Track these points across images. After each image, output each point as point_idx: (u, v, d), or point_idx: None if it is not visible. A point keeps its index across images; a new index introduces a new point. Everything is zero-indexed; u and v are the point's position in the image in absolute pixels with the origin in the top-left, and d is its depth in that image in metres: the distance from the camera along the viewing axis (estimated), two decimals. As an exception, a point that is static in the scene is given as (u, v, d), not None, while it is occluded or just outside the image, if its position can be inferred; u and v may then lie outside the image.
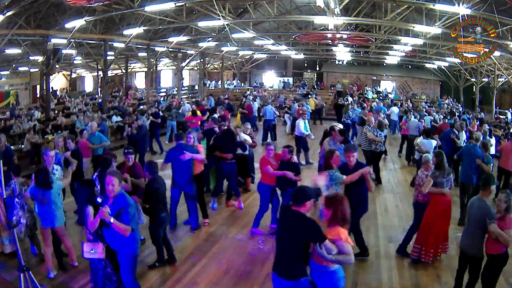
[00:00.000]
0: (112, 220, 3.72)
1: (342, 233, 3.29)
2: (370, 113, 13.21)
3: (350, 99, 19.84)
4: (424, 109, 15.75)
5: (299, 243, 3.27)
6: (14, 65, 22.52)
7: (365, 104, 15.72)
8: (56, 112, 16.13)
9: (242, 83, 31.80)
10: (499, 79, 19.50)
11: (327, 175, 4.91)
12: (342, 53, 24.06)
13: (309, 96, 20.59)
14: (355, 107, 14.87)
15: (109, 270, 4.05)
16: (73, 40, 15.04)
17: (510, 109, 19.95)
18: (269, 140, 12.84)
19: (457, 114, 15.20)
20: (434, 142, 8.71)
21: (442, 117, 13.87)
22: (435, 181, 5.29)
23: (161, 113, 14.15)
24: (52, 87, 21.49)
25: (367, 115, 12.15)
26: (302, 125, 10.60)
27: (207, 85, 28.08)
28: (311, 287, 3.36)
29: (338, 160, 5.18)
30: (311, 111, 16.18)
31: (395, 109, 16.21)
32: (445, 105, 20.49)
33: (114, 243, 3.98)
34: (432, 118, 13.57)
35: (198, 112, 12.59)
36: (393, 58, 23.31)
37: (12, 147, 10.06)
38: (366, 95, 25.06)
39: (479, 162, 7.04)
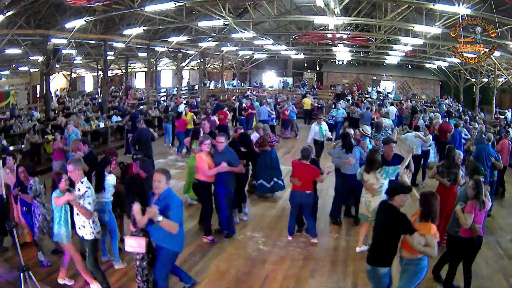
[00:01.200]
0: (160, 218, 3.68)
1: (432, 228, 3.63)
2: (376, 112, 13.23)
3: (350, 99, 19.87)
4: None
5: (389, 234, 3.70)
6: (14, 65, 22.50)
7: (369, 104, 15.74)
8: (56, 112, 16.13)
9: (242, 83, 31.79)
10: (499, 79, 19.49)
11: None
12: (342, 53, 24.05)
13: (307, 96, 20.45)
14: (339, 106, 14.36)
15: (144, 264, 3.99)
16: (73, 40, 15.04)
17: (510, 109, 19.94)
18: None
19: (456, 114, 15.27)
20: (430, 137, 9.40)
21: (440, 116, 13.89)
22: (438, 170, 6.03)
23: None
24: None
25: (375, 114, 12.25)
26: (316, 130, 10.05)
27: (207, 85, 28.06)
28: (387, 277, 3.82)
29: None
30: (296, 111, 15.82)
31: (392, 109, 16.18)
32: (444, 105, 20.53)
33: (159, 239, 3.93)
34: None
35: (187, 115, 12.03)
36: (393, 58, 23.30)
37: (11, 147, 10.08)
38: (370, 96, 25.00)
39: (493, 161, 7.54)
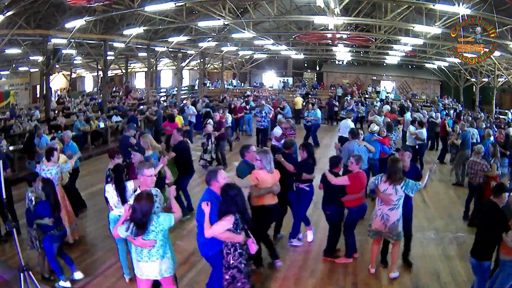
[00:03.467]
0: None
1: None
2: (391, 114, 13.27)
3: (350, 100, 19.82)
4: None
5: (489, 230, 3.96)
6: (14, 65, 22.52)
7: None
8: (56, 112, 16.12)
9: (242, 83, 31.79)
10: (499, 79, 19.50)
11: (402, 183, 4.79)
12: (342, 53, 24.05)
13: (305, 95, 20.35)
14: (315, 107, 13.89)
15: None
16: (73, 40, 15.03)
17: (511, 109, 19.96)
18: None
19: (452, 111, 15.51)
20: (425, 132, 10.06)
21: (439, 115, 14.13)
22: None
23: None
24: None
25: (386, 115, 12.31)
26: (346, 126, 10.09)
27: (207, 85, 28.08)
28: (489, 269, 4.11)
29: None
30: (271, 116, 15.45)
31: (386, 108, 16.12)
32: (441, 104, 20.71)
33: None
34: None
35: (179, 118, 11.37)
36: (393, 58, 23.30)
37: (11, 147, 10.07)
38: (379, 96, 24.75)
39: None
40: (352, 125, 10.30)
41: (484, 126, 12.20)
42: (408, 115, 12.82)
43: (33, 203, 4.73)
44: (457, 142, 9.64)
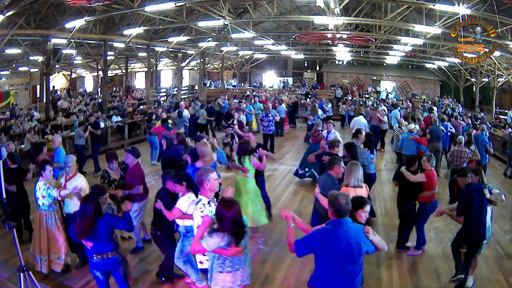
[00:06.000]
0: None
1: None
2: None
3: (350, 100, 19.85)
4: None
5: None
6: (14, 65, 22.49)
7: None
8: (56, 112, 16.12)
9: (242, 83, 31.79)
10: (499, 79, 19.50)
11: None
12: (342, 53, 24.04)
13: (305, 95, 20.31)
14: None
15: None
16: (73, 40, 15.04)
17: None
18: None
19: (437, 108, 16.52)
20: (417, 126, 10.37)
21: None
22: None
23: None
24: (53, 86, 21.53)
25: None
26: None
27: (207, 85, 28.05)
28: None
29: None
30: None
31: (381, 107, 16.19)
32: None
33: None
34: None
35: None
36: (393, 58, 23.30)
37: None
38: (380, 96, 24.71)
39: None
40: (364, 121, 10.89)
41: (470, 122, 13.62)
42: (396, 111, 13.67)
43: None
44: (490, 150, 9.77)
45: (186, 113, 12.82)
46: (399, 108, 15.94)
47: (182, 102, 14.94)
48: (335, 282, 2.98)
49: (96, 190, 4.33)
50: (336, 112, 18.93)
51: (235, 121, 10.18)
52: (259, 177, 6.36)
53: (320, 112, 13.58)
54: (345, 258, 2.94)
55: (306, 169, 8.79)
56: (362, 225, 3.19)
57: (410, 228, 5.79)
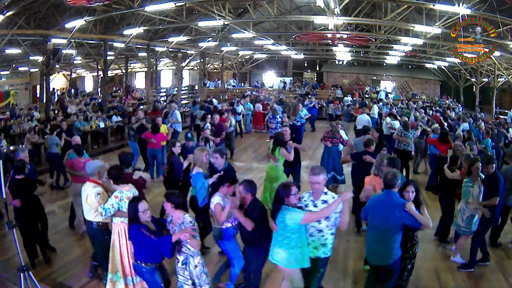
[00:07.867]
0: None
1: None
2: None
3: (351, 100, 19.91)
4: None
5: None
6: (14, 65, 22.49)
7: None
8: (55, 112, 16.12)
9: (242, 83, 31.78)
10: (499, 79, 19.49)
11: None
12: (342, 53, 24.03)
13: (305, 95, 20.41)
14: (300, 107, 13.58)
15: None
16: (73, 40, 15.04)
17: None
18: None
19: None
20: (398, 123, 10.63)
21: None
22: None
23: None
24: (54, 88, 21.53)
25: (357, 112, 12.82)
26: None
27: (207, 85, 28.03)
28: None
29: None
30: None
31: (375, 107, 16.13)
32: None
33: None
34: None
35: (163, 127, 9.25)
36: (393, 58, 23.29)
37: (11, 147, 10.07)
38: (379, 96, 24.63)
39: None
40: (367, 118, 11.30)
41: (472, 121, 13.47)
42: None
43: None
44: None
45: (178, 116, 11.71)
46: (381, 104, 16.85)
47: (173, 104, 13.47)
48: (373, 244, 4.00)
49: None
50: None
51: (207, 125, 9.33)
52: (296, 167, 7.28)
53: (304, 111, 13.19)
54: (382, 223, 3.87)
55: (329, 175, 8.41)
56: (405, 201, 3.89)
57: (451, 222, 6.04)
